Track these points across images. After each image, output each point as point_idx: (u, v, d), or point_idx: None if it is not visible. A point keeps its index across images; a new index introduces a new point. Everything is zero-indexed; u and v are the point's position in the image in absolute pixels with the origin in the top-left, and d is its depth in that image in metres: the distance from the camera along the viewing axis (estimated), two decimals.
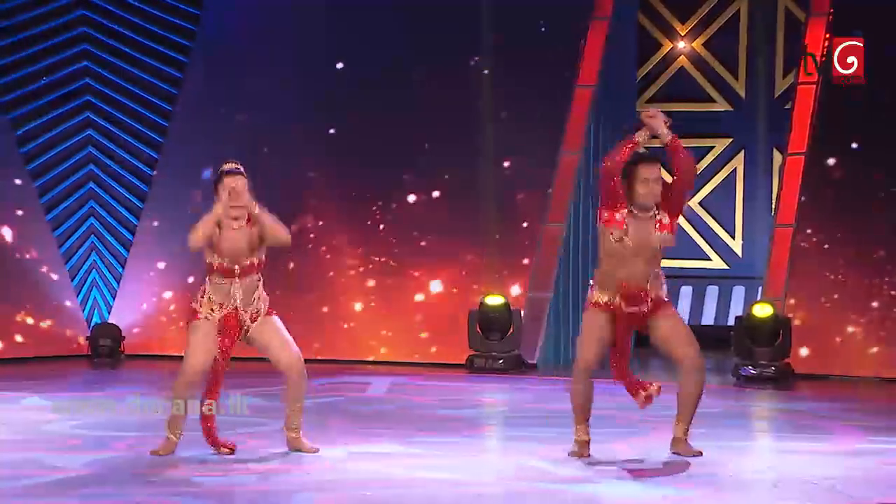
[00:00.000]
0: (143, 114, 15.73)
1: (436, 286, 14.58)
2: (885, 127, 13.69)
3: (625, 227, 7.93)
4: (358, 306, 14.67)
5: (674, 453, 8.07)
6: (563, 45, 14.75)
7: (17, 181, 14.94)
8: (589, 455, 8.00)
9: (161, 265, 15.23)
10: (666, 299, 8.10)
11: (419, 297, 14.57)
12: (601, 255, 8.09)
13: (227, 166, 8.19)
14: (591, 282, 8.17)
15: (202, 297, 8.07)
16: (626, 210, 7.96)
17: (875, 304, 13.35)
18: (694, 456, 8.01)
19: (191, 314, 8.12)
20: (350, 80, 15.23)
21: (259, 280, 8.10)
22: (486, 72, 14.83)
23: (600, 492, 7.10)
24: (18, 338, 14.49)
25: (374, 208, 14.89)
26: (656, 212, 8.02)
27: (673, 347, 8.04)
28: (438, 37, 15.08)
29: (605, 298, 8.01)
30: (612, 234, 7.94)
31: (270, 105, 15.36)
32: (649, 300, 7.99)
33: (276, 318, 8.12)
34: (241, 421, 9.15)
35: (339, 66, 15.36)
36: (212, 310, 8.03)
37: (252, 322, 8.05)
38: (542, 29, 14.82)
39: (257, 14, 15.75)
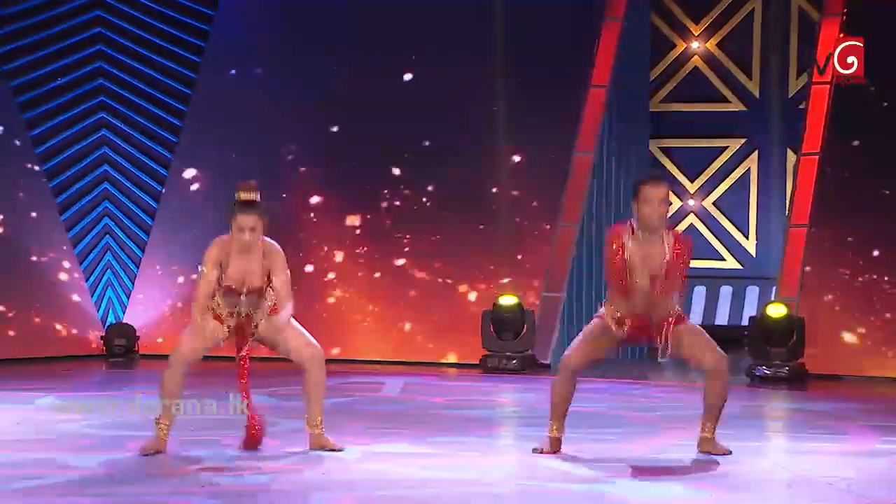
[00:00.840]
0: (158, 114, 15.75)
1: (449, 286, 14.57)
2: None
3: (625, 245, 7.90)
4: (370, 306, 14.67)
5: (702, 452, 8.07)
6: (577, 45, 14.75)
7: (33, 182, 14.97)
8: (557, 451, 8.01)
9: (175, 265, 15.26)
10: (677, 315, 8.02)
11: (433, 297, 14.57)
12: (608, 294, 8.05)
13: (242, 195, 8.01)
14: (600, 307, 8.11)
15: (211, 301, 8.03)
16: (629, 233, 7.91)
17: (889, 304, 13.32)
18: (723, 454, 8.02)
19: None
20: (362, 80, 15.23)
21: (267, 297, 8.03)
22: (498, 72, 14.84)
23: (613, 491, 7.08)
24: (33, 337, 14.52)
25: (384, 207, 14.90)
26: (664, 235, 7.95)
27: (696, 358, 8.03)
28: (451, 36, 15.08)
29: (617, 319, 7.97)
30: (615, 255, 7.89)
31: (285, 105, 15.37)
32: (662, 337, 7.98)
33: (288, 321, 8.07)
34: None
35: (353, 65, 15.36)
36: (219, 315, 7.99)
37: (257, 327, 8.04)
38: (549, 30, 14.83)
39: (271, 15, 15.76)
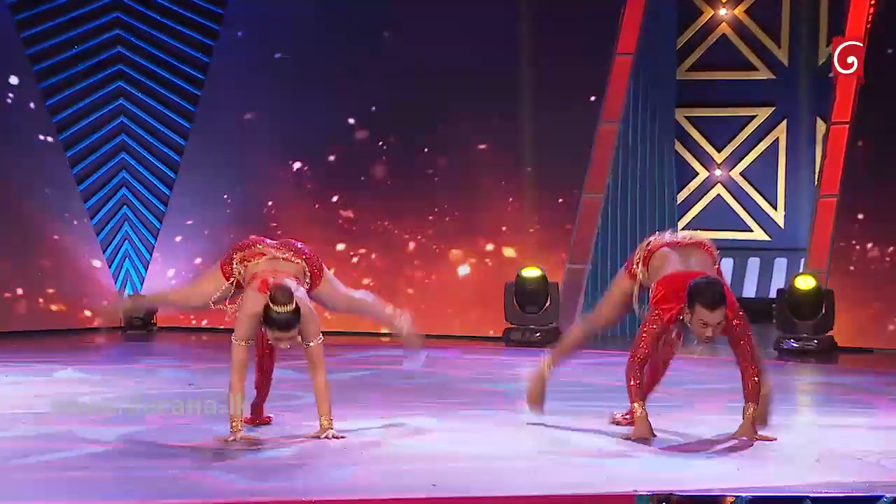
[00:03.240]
0: (175, 83, 15.65)
1: (473, 258, 14.47)
2: None
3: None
4: (391, 279, 14.58)
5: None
6: (602, 12, 14.60)
7: (49, 151, 14.89)
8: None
9: (193, 236, 15.18)
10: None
11: (456, 269, 14.48)
12: None
13: (277, 311, 7.38)
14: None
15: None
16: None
17: None
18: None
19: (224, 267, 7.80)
20: (380, 47, 15.09)
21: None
22: (522, 40, 14.70)
23: (639, 466, 6.99)
24: (51, 310, 14.48)
25: (408, 178, 14.80)
26: None
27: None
28: (475, 5, 14.92)
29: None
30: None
31: (304, 71, 15.26)
32: None
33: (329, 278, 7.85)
34: (274, 394, 9.06)
35: (374, 30, 15.20)
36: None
37: None
38: None
39: None
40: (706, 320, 7.44)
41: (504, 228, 14.40)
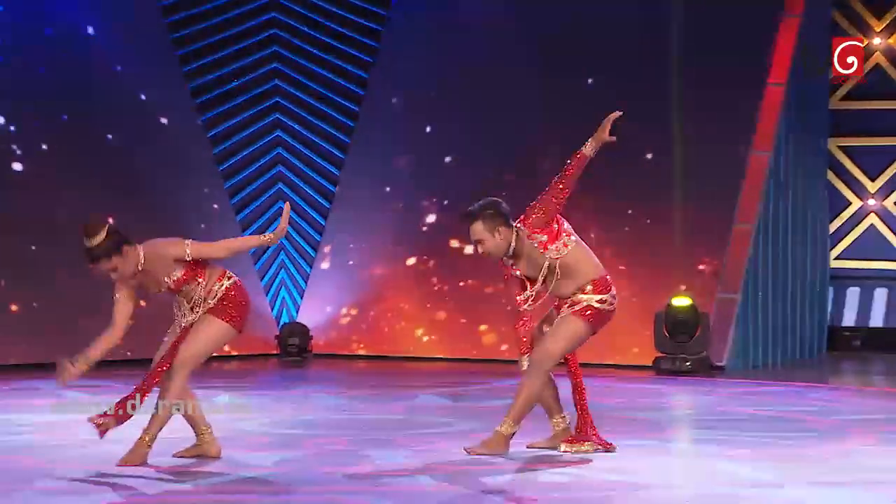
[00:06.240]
0: (331, 115, 15.88)
1: (623, 286, 14.43)
2: None
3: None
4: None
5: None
6: (754, 42, 14.48)
7: (210, 182, 15.20)
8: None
9: (348, 264, 15.36)
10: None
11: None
12: None
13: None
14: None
15: None
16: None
17: None
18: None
19: None
20: (533, 60, 15.07)
21: (199, 284, 7.98)
22: (673, 71, 14.64)
23: (793, 498, 6.91)
24: None
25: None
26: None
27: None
28: (628, 35, 14.85)
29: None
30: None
31: (459, 108, 15.33)
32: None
33: (209, 322, 7.91)
34: (428, 421, 9.14)
35: (529, 67, 15.23)
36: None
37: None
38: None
39: (442, 15, 15.72)
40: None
41: (653, 254, 14.34)
